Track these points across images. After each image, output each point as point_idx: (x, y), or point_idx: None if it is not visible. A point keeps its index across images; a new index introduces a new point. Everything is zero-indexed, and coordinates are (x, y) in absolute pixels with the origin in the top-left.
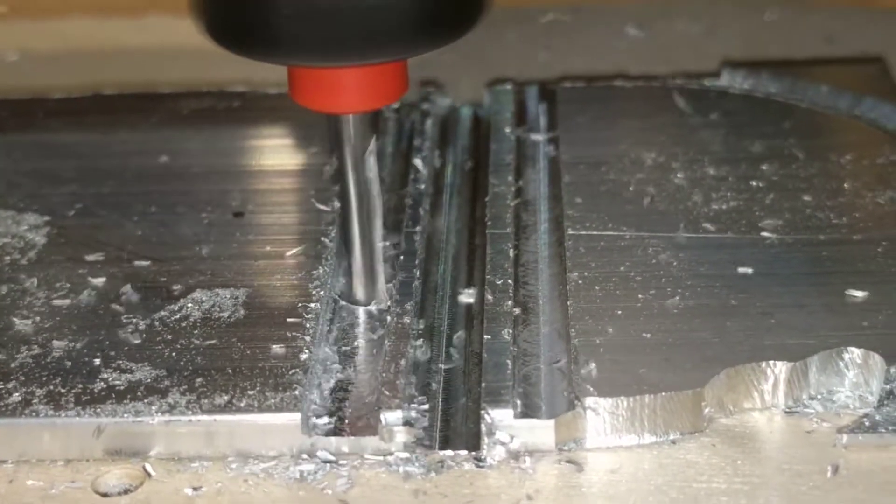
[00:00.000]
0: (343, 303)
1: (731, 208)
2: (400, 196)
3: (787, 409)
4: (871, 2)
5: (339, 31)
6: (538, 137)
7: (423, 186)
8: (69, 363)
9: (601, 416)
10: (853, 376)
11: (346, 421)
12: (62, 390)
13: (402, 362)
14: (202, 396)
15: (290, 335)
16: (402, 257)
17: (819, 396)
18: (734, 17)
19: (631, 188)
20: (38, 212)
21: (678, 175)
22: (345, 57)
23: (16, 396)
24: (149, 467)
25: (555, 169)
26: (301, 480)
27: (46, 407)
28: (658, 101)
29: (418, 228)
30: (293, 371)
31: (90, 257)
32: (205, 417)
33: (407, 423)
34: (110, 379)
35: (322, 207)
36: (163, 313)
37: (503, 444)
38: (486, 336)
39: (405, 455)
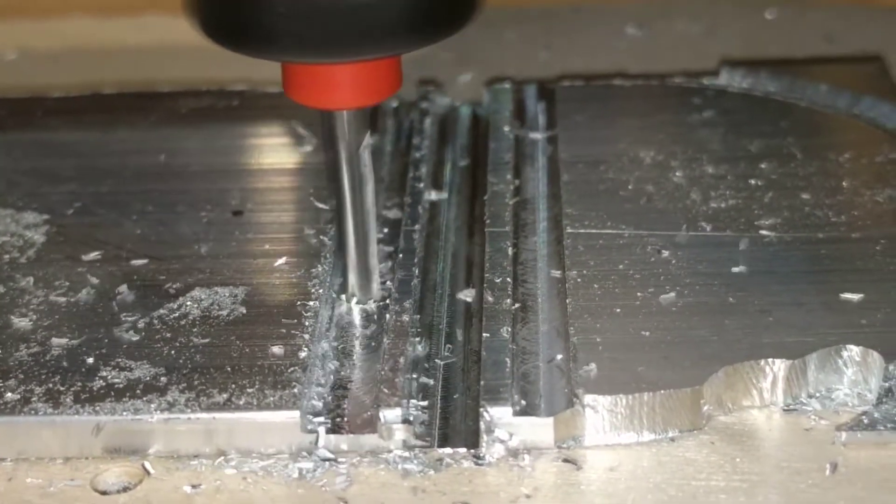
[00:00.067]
0: (342, 301)
1: (729, 207)
2: (399, 195)
3: (786, 407)
4: (871, 0)
5: (333, 27)
6: (537, 136)
7: (421, 185)
8: (68, 361)
9: (600, 413)
10: (852, 374)
11: (345, 419)
12: (61, 388)
13: (401, 360)
14: (201, 394)
15: (288, 333)
16: (401, 256)
17: (818, 394)
18: (733, 16)
19: (630, 187)
20: (38, 210)
21: (677, 174)
22: (339, 53)
23: (15, 394)
24: (148, 465)
25: (554, 167)
26: (300, 478)
27: (45, 405)
28: (657, 99)
29: (417, 227)
30: (292, 369)
31: (89, 256)
32: (204, 415)
33: (406, 420)
34: (109, 377)
35: (321, 206)
36: (162, 311)
37: (502, 441)
38: (485, 334)
39: (404, 453)
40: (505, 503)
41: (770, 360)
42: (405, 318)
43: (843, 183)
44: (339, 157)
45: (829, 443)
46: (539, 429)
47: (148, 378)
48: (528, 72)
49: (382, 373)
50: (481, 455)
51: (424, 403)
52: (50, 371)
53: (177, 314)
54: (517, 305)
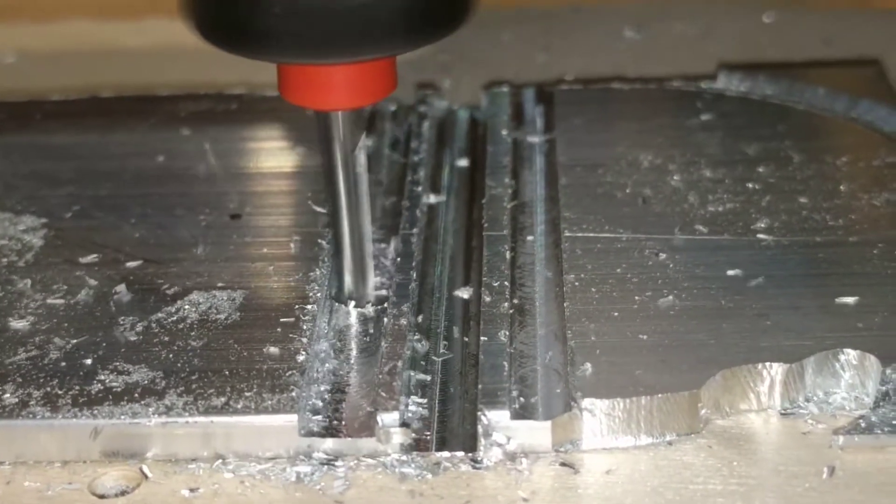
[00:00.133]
0: (340, 304)
1: (727, 210)
2: (397, 198)
3: (784, 411)
4: (869, 4)
5: (328, 28)
6: (535, 139)
7: (419, 188)
8: (66, 365)
9: (597, 417)
10: (849, 378)
11: (343, 422)
12: (59, 392)
13: (399, 364)
14: (199, 398)
15: (286, 337)
16: (399, 259)
17: (815, 398)
18: (731, 19)
19: (628, 190)
20: (36, 214)
21: (675, 177)
22: (335, 54)
23: (13, 398)
24: (146, 469)
25: (551, 171)
26: (298, 482)
27: (43, 408)
28: (655, 103)
29: (415, 230)
30: (290, 373)
31: (87, 259)
32: (202, 419)
33: (403, 424)
34: (107, 380)
35: (318, 209)
36: (160, 315)
37: (500, 445)
38: (482, 338)
39: (402, 456)
40: None
41: (767, 363)
42: (403, 321)
43: (841, 186)
44: (335, 158)
45: (826, 446)
46: (537, 432)
47: (146, 381)
48: (526, 74)
49: (380, 376)
50: (479, 459)
51: (422, 407)
52: (48, 374)
53: (175, 317)
54: (514, 309)
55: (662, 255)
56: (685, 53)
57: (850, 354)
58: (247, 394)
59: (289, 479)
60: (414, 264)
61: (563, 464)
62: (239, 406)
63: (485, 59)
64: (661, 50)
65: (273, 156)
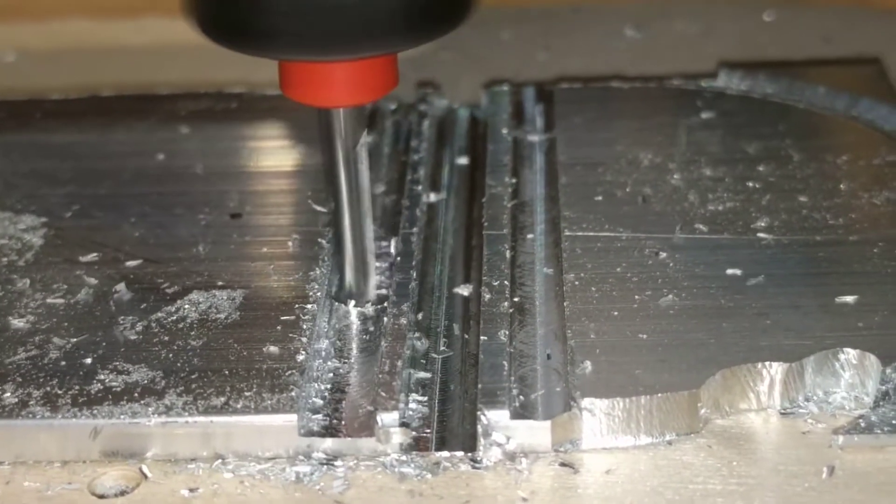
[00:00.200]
0: (340, 304)
1: (727, 209)
2: (397, 197)
3: (783, 411)
4: (869, 2)
5: (331, 25)
6: (535, 138)
7: (419, 187)
8: (66, 364)
9: (597, 417)
10: (849, 377)
11: (343, 422)
12: (59, 392)
13: (399, 363)
14: (199, 398)
15: (286, 336)
16: (399, 258)
17: (815, 397)
18: (732, 18)
19: (628, 189)
20: (36, 213)
21: (675, 176)
22: (337, 51)
23: (13, 398)
24: (145, 469)
25: (552, 170)
26: (297, 482)
27: (43, 408)
28: (655, 101)
29: (415, 230)
30: (290, 372)
31: (87, 258)
32: (201, 419)
33: (403, 424)
34: (107, 380)
35: (319, 208)
36: (160, 314)
37: (499, 445)
38: (482, 337)
39: (401, 456)
40: None
41: (767, 363)
42: (403, 320)
43: (841, 185)
44: (336, 155)
45: (826, 446)
46: (536, 432)
47: (146, 381)
48: (527, 73)
49: (380, 376)
50: (478, 458)
51: (422, 407)
52: (48, 374)
53: (174, 317)
54: (514, 308)
55: (662, 254)
56: (685, 52)
57: (850, 354)
58: (246, 393)
59: (288, 479)
60: (414, 263)
61: (562, 463)
62: (238, 406)
63: (485, 58)
64: (662, 48)
65: (273, 155)
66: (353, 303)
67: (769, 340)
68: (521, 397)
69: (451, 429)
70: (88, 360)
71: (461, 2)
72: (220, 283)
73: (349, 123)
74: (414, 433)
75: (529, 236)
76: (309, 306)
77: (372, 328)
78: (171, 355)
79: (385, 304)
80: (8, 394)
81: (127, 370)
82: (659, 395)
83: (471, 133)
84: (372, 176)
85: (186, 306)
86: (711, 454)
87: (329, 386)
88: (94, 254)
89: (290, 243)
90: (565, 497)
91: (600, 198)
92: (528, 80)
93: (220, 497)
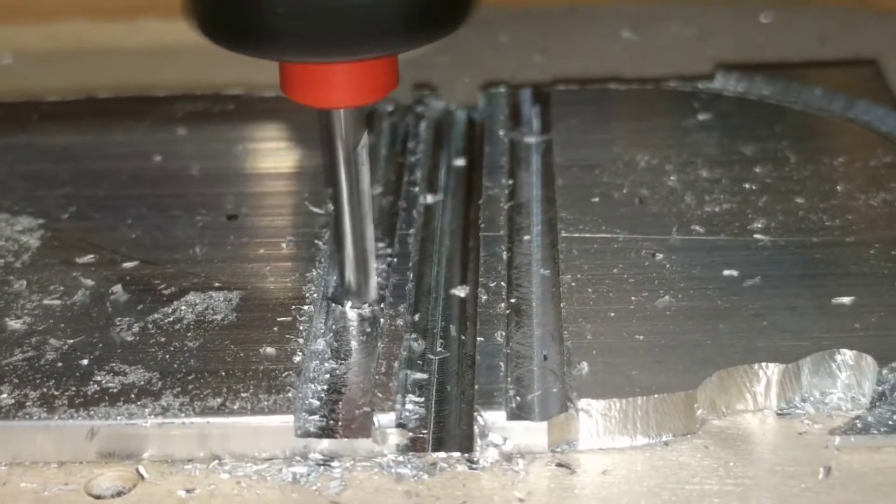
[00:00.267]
0: (336, 305)
1: (723, 211)
2: (394, 198)
3: (780, 411)
4: (866, 4)
5: (332, 26)
6: (532, 140)
7: (416, 189)
8: (62, 366)
9: (594, 417)
10: (845, 378)
11: (339, 423)
12: (55, 393)
13: (395, 364)
14: (195, 399)
15: (283, 337)
16: (395, 260)
17: (811, 398)
18: (728, 20)
19: (624, 190)
20: (33, 214)
21: (671, 177)
22: (338, 52)
23: (9, 399)
24: (142, 469)
25: (548, 171)
26: (294, 482)
27: (40, 409)
28: (652, 103)
29: (412, 231)
30: (286, 373)
31: (84, 260)
32: (198, 420)
33: (400, 425)
34: (104, 381)
35: (315, 210)
36: (156, 316)
37: (496, 445)
38: (479, 338)
39: (398, 457)
40: None
41: (764, 364)
42: (400, 321)
43: (838, 187)
44: (337, 156)
45: (822, 447)
46: (533, 433)
47: (142, 382)
48: (523, 75)
49: (377, 377)
50: (475, 459)
51: (419, 408)
52: (44, 375)
53: (171, 318)
54: (511, 309)
55: (659, 256)
56: (682, 54)
57: (847, 354)
58: (243, 394)
59: (285, 480)
60: (411, 264)
61: (559, 464)
62: (235, 407)
63: (482, 60)
64: (659, 50)
65: (270, 156)
66: (349, 304)
67: (766, 341)
68: (518, 398)
69: (448, 430)
70: (85, 362)
71: (461, 3)
72: (216, 285)
73: (350, 124)
74: (410, 434)
75: (526, 238)
76: (305, 307)
77: (368, 329)
78: (167, 356)
79: (382, 306)
80: (4, 395)
81: (123, 371)
82: (655, 395)
83: (467, 135)
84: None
85: (183, 308)
86: (708, 455)
87: (325, 387)
88: (91, 255)
89: (286, 245)
90: (562, 498)
91: (597, 199)
92: (525, 82)
93: (216, 498)
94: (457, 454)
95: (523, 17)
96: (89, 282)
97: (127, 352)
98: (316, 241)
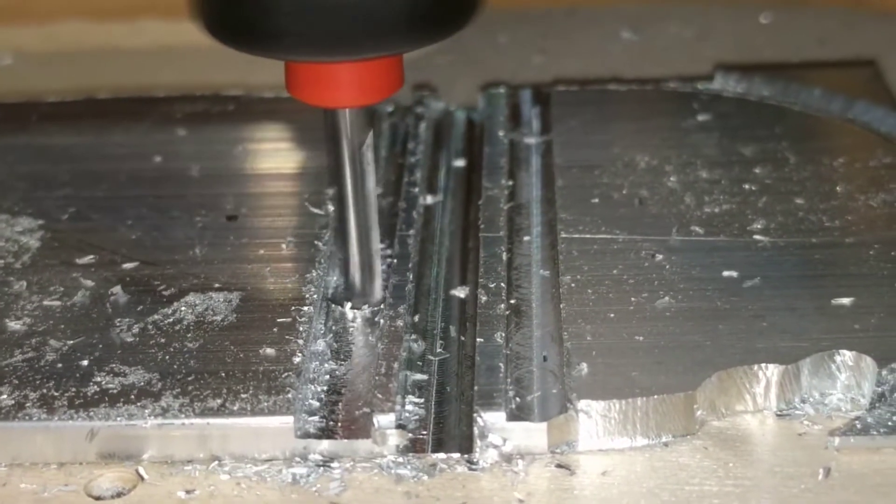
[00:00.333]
0: (336, 306)
1: (723, 211)
2: (394, 199)
3: (779, 412)
4: (865, 4)
5: (338, 26)
6: (531, 141)
7: (416, 190)
8: (62, 366)
9: (593, 418)
10: (845, 379)
11: (339, 424)
12: (55, 394)
13: (395, 365)
14: (195, 400)
15: (282, 338)
16: (395, 260)
17: (811, 399)
18: (728, 20)
19: (624, 191)
20: (32, 215)
21: (671, 178)
22: (344, 52)
23: (9, 400)
24: (142, 470)
25: (548, 172)
26: (294, 483)
27: (40, 410)
28: (651, 104)
29: (412, 232)
30: (286, 374)
31: (84, 261)
32: (198, 421)
33: (399, 426)
34: (103, 382)
35: (315, 211)
36: (156, 317)
37: (496, 446)
38: (478, 339)
39: (398, 458)
40: None
41: (763, 364)
42: (399, 322)
43: (837, 187)
44: (342, 156)
45: (822, 448)
46: (533, 434)
47: (142, 383)
48: (523, 75)
49: (376, 378)
50: (475, 460)
51: (418, 408)
52: (44, 376)
53: (171, 319)
54: (511, 310)
55: (659, 257)
56: (682, 54)
57: (846, 355)
58: (243, 395)
59: (285, 481)
60: (410, 265)
61: (559, 465)
62: (235, 408)
63: (481, 60)
64: (658, 51)
65: (270, 157)
66: (349, 305)
67: (765, 342)
68: (518, 399)
69: (448, 430)
70: (85, 363)
71: (466, 3)
72: (216, 286)
73: (355, 124)
74: (410, 435)
75: (526, 238)
76: (305, 308)
77: (368, 330)
78: (167, 357)
79: (382, 307)
80: (4, 396)
81: (123, 372)
82: (655, 396)
83: (467, 135)
84: None
85: (183, 308)
86: (708, 456)
87: (325, 388)
88: (91, 256)
89: (286, 246)
90: (561, 499)
91: (597, 200)
92: (525, 83)
93: (216, 499)
94: (456, 455)
95: (523, 17)
96: (89, 283)
97: (127, 353)
98: (316, 242)
